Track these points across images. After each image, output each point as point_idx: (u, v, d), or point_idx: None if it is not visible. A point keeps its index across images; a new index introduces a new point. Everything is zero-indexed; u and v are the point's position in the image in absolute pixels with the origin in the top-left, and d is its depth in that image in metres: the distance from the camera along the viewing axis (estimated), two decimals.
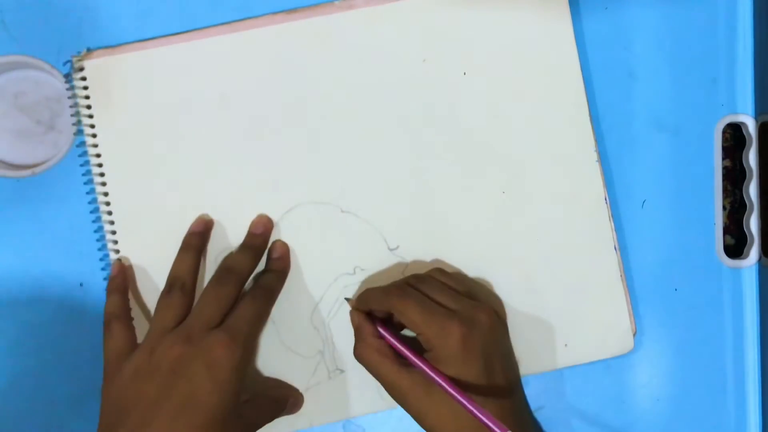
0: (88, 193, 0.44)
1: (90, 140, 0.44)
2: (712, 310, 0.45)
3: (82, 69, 0.43)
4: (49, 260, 0.44)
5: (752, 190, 0.46)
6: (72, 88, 0.44)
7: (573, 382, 0.45)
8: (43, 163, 0.45)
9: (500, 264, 0.44)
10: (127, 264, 0.44)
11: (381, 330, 0.40)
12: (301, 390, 0.44)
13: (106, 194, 0.44)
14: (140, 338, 0.41)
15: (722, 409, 0.45)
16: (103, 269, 0.44)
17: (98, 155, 0.44)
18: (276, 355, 0.44)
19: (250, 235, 0.43)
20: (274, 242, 0.44)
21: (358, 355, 0.40)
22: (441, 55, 0.44)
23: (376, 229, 0.44)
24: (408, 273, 0.44)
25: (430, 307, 0.39)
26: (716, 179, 0.46)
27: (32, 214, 0.44)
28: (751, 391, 0.45)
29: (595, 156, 0.44)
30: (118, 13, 0.44)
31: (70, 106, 0.44)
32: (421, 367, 0.38)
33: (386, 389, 0.40)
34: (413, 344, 0.40)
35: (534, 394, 0.45)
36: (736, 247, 0.47)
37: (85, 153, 0.44)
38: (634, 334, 0.44)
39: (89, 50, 0.44)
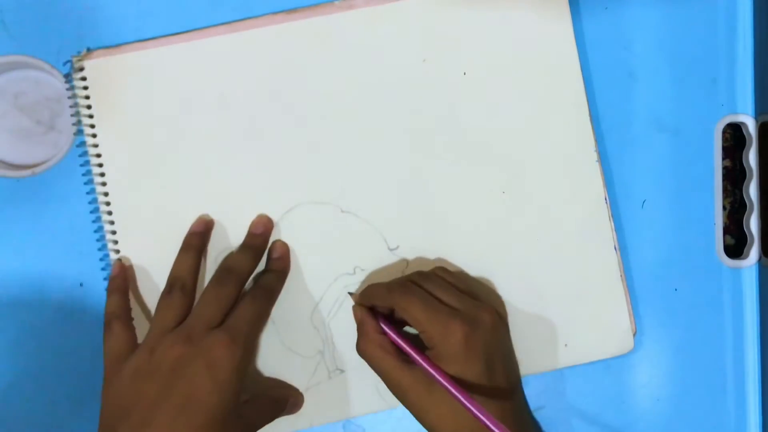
0: (88, 193, 0.44)
1: (90, 140, 0.44)
2: (712, 310, 0.45)
3: (82, 69, 0.43)
4: (49, 260, 0.44)
5: (752, 190, 0.46)
6: (72, 88, 0.44)
7: (573, 382, 0.45)
8: (43, 163, 0.45)
9: (500, 264, 0.44)
10: (127, 264, 0.44)
11: (384, 326, 0.40)
12: (301, 390, 0.44)
13: (106, 194, 0.44)
14: (140, 338, 0.41)
15: (722, 409, 0.45)
16: (103, 269, 0.44)
17: (98, 155, 0.44)
18: (276, 355, 0.44)
19: (250, 235, 0.44)
20: (274, 242, 0.44)
21: (361, 350, 0.40)
22: (441, 55, 0.44)
23: (376, 229, 0.44)
24: (409, 272, 0.44)
25: (434, 305, 0.39)
26: (716, 179, 0.46)
27: (32, 214, 0.44)
28: (751, 391, 0.45)
29: (595, 156, 0.44)
30: (118, 13, 0.44)
31: (70, 106, 0.44)
32: (422, 365, 0.38)
33: (387, 385, 0.40)
34: (415, 341, 0.40)
35: (534, 394, 0.45)
36: (736, 247, 0.47)
37: (85, 153, 0.44)
38: (634, 334, 0.44)
39: (89, 50, 0.44)
